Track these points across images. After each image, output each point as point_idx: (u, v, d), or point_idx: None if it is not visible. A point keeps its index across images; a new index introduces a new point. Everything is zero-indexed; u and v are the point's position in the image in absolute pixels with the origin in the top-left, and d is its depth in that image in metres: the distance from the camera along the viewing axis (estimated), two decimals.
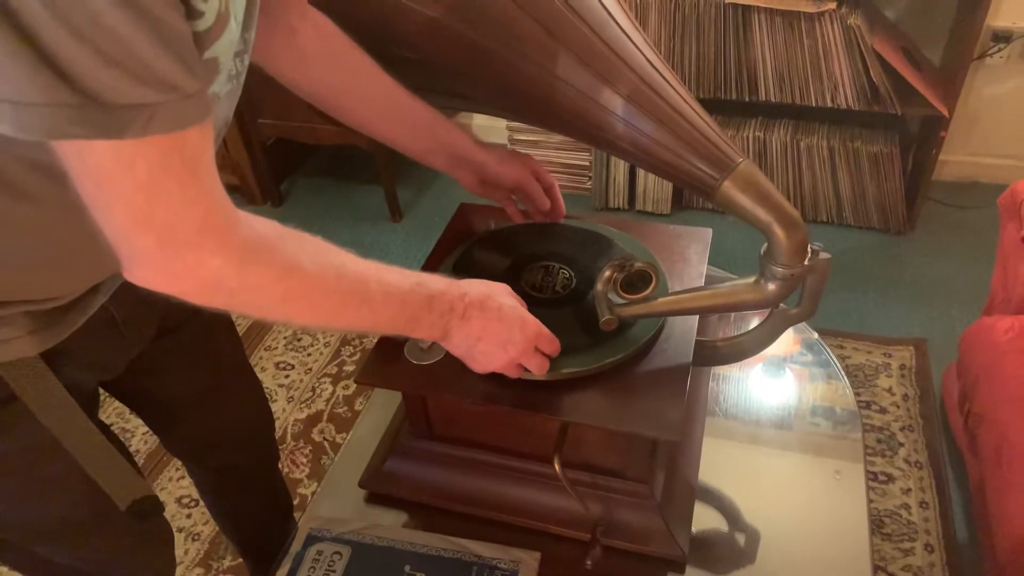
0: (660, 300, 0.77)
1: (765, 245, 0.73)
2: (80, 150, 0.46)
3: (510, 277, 0.87)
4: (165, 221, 0.50)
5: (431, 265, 0.92)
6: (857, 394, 1.74)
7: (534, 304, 0.83)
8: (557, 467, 0.76)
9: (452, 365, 0.80)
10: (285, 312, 0.59)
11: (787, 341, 1.09)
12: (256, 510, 1.20)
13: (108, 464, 0.73)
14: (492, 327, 0.70)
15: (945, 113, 1.98)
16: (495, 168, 0.89)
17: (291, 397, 1.84)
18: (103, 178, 0.48)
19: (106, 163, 0.47)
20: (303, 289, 0.58)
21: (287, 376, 1.90)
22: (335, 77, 0.79)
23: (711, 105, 2.26)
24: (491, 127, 2.81)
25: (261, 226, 0.57)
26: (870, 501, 1.48)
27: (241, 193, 2.58)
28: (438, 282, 0.68)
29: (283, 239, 0.58)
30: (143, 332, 0.80)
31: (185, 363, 0.91)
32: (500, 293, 0.73)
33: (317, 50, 0.77)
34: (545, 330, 0.74)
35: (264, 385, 1.84)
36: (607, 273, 0.76)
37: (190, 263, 0.52)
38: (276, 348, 1.99)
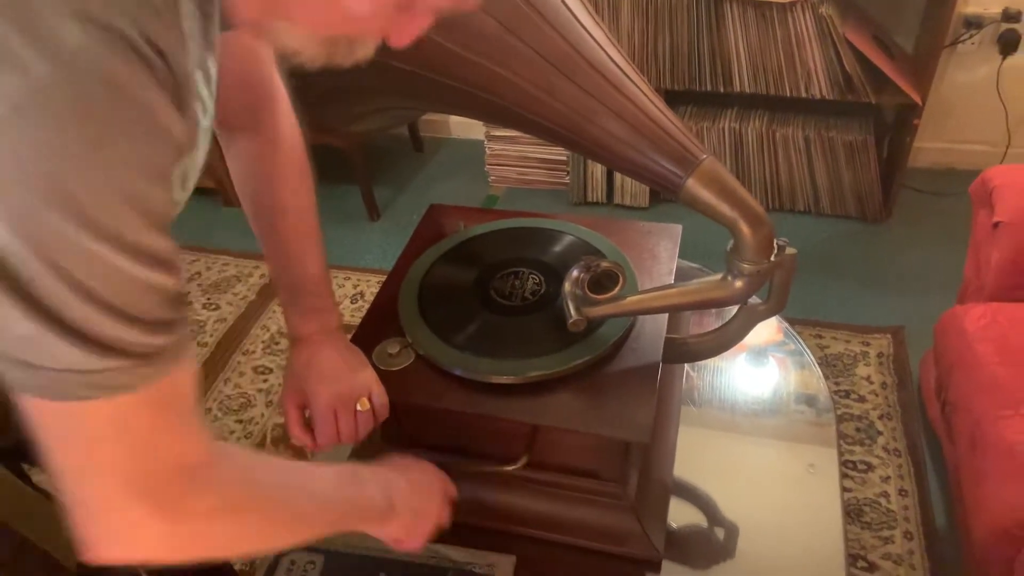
0: (628, 299, 0.76)
1: (731, 242, 0.73)
2: (71, 412, 0.41)
3: (478, 288, 0.87)
4: (162, 481, 0.46)
5: (402, 268, 0.91)
6: (836, 383, 1.75)
7: (505, 313, 0.83)
8: (520, 464, 0.76)
9: (421, 371, 0.79)
10: (258, 548, 0.59)
11: (769, 330, 1.09)
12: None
13: (45, 520, 0.67)
14: (416, 506, 0.72)
15: (918, 100, 1.98)
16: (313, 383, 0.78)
17: (269, 401, 1.83)
18: (97, 442, 0.43)
19: (100, 423, 0.42)
20: (289, 524, 0.58)
21: (265, 380, 1.89)
22: (260, 192, 0.77)
23: (686, 97, 2.26)
24: (468, 123, 2.80)
25: (232, 459, 0.54)
26: (847, 490, 1.50)
27: (217, 196, 2.55)
28: (368, 488, 0.67)
29: (253, 468, 0.55)
30: None
31: None
32: (409, 471, 0.74)
33: (256, 152, 0.75)
34: (447, 479, 0.78)
35: (243, 389, 1.85)
36: (574, 274, 0.75)
37: (179, 524, 0.48)
38: (254, 352, 1.97)
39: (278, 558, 0.84)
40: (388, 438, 0.87)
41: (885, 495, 1.50)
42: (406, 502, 0.70)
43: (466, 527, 0.84)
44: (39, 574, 0.69)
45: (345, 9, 0.42)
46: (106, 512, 0.45)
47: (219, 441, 0.52)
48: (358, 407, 0.75)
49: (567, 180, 2.46)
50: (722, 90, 2.12)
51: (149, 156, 0.38)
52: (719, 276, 0.75)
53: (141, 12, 0.36)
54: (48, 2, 0.33)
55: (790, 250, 0.73)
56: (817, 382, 1.01)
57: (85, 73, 0.34)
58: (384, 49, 0.49)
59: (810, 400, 0.99)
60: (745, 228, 0.70)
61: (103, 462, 0.44)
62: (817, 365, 1.04)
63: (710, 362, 1.03)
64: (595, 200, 2.43)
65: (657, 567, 0.80)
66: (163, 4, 0.38)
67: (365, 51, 0.48)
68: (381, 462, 0.72)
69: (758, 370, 1.04)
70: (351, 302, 2.10)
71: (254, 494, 0.54)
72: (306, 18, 0.44)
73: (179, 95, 0.39)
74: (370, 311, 0.87)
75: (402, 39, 0.46)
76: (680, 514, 0.85)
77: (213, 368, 1.92)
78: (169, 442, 0.46)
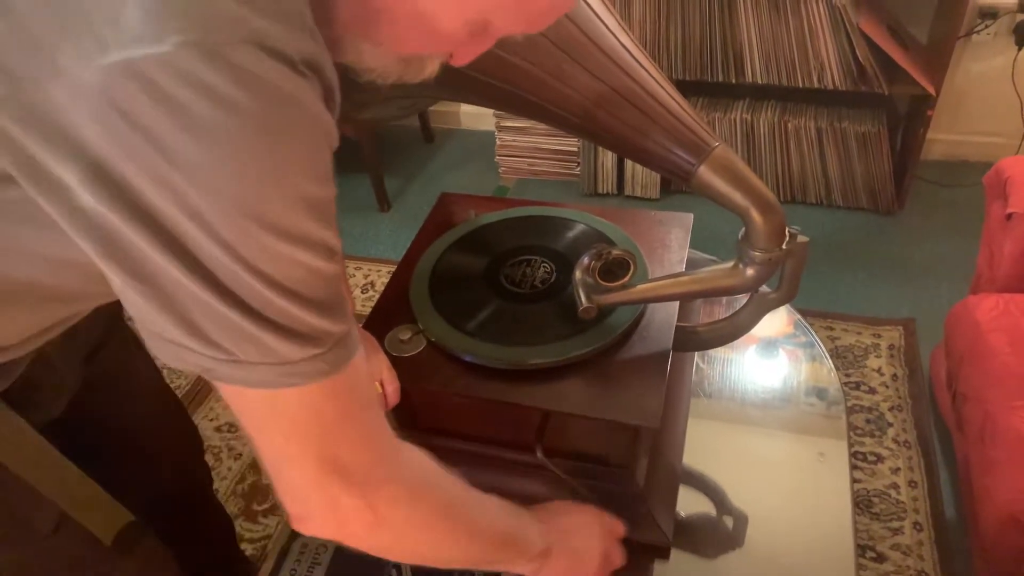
0: (638, 287, 0.76)
1: (743, 230, 0.73)
2: (271, 400, 0.46)
3: (489, 275, 0.87)
4: (351, 462, 0.50)
5: (413, 256, 0.92)
6: (847, 375, 1.75)
7: (516, 300, 0.84)
8: (539, 454, 0.76)
9: (432, 357, 0.80)
10: (426, 553, 0.60)
11: (780, 322, 1.09)
12: (195, 540, 1.09)
13: (84, 496, 0.69)
14: (575, 546, 0.72)
15: (932, 91, 1.97)
16: None
17: None
18: (294, 426, 0.48)
19: (296, 409, 0.47)
20: (457, 531, 0.59)
21: None
22: None
23: (698, 88, 2.25)
24: (478, 113, 2.80)
25: (416, 456, 0.57)
26: (857, 481, 1.50)
27: None
28: (530, 530, 0.67)
29: (433, 466, 0.58)
30: (74, 366, 0.76)
31: (110, 392, 0.85)
32: (567, 512, 0.74)
33: None
34: (613, 519, 0.76)
35: None
36: (585, 261, 0.76)
37: (371, 503, 0.52)
38: None
39: (290, 543, 0.85)
40: (401, 423, 0.87)
41: (895, 486, 1.50)
42: (564, 545, 0.70)
43: None
44: (78, 547, 0.71)
45: (433, 30, 0.45)
46: (307, 490, 0.50)
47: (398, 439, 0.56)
48: None
49: (578, 171, 2.46)
50: (734, 81, 2.11)
51: (320, 162, 0.42)
52: (730, 264, 0.75)
53: (301, 36, 0.40)
54: (229, 38, 0.37)
55: (802, 238, 0.73)
56: (828, 374, 1.01)
57: (270, 97, 0.38)
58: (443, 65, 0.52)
59: (821, 392, 0.99)
60: (757, 216, 0.70)
61: (300, 444, 0.48)
62: (828, 357, 1.04)
63: (721, 353, 1.03)
64: (606, 191, 2.43)
65: (666, 553, 0.81)
66: (312, 25, 0.41)
67: (432, 68, 0.51)
68: (539, 506, 0.72)
69: (769, 362, 1.04)
70: (362, 292, 2.11)
71: (433, 490, 0.57)
72: (389, 39, 0.46)
73: (330, 103, 0.43)
74: (382, 298, 0.88)
75: (465, 58, 0.50)
76: (690, 503, 0.86)
77: None
78: (356, 428, 0.50)
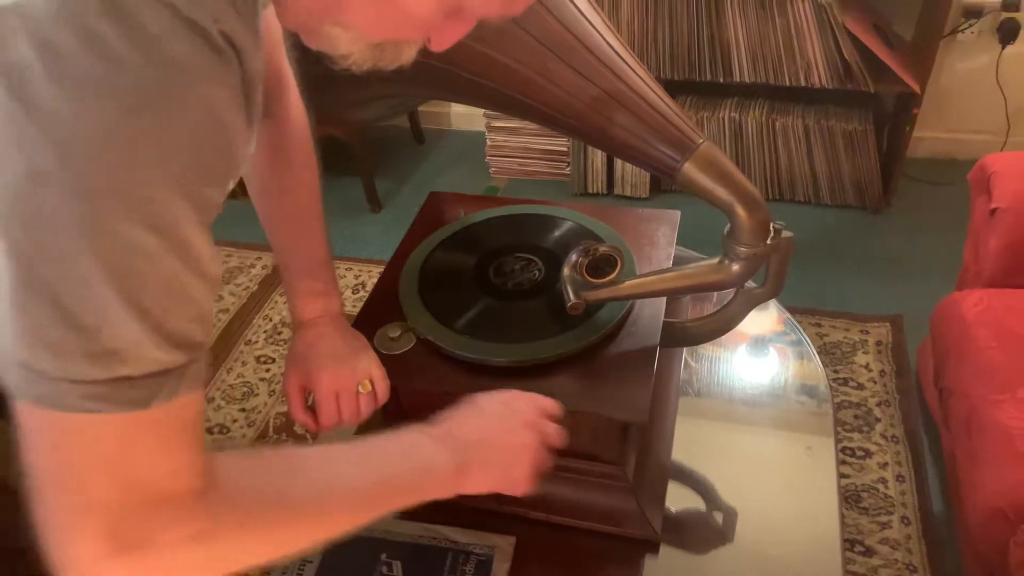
0: (626, 283, 0.77)
1: (728, 226, 0.73)
2: (68, 425, 0.38)
3: (478, 273, 0.87)
4: (132, 511, 0.41)
5: (402, 254, 0.92)
6: (835, 371, 1.76)
7: (505, 297, 0.84)
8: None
9: (422, 354, 0.80)
10: (242, 563, 0.49)
11: (769, 320, 1.10)
12: None
13: None
14: (495, 447, 0.64)
15: (917, 90, 1.99)
16: (313, 371, 0.77)
17: (272, 390, 1.84)
18: (79, 454, 0.39)
19: (92, 438, 0.38)
20: (291, 538, 0.52)
21: (268, 370, 1.90)
22: (266, 175, 0.77)
23: (686, 87, 2.26)
24: (469, 114, 2.80)
25: (236, 476, 0.48)
26: (845, 476, 1.51)
27: None
28: (421, 445, 0.62)
29: (258, 479, 0.50)
30: None
31: None
32: (479, 412, 0.67)
33: (268, 140, 0.74)
34: (539, 398, 0.68)
35: (246, 379, 1.86)
36: (573, 258, 0.76)
37: (142, 558, 0.42)
38: (257, 342, 1.98)
39: None
40: (391, 421, 0.87)
41: (883, 481, 1.51)
42: (482, 455, 0.63)
43: (467, 509, 0.85)
44: None
45: (404, 14, 0.42)
46: (68, 537, 0.41)
47: (223, 455, 0.48)
48: (360, 389, 0.76)
49: (568, 171, 2.46)
50: (722, 80, 2.12)
51: (214, 156, 0.38)
52: (716, 260, 0.76)
53: (223, 7, 0.36)
54: None
55: (786, 233, 0.74)
56: (817, 371, 1.02)
57: (168, 66, 0.34)
58: (423, 51, 0.50)
59: (810, 390, 0.99)
60: (741, 211, 0.71)
61: (81, 483, 0.40)
62: (816, 354, 1.05)
63: (711, 352, 1.04)
64: (596, 191, 2.44)
65: (655, 548, 0.81)
66: (244, 4, 0.38)
67: (409, 54, 0.49)
68: (453, 409, 0.66)
69: (758, 360, 1.05)
70: (352, 292, 2.11)
71: (251, 511, 0.49)
72: (360, 24, 0.44)
73: (247, 94, 0.39)
74: (371, 296, 0.88)
75: (443, 43, 0.47)
76: (679, 499, 0.86)
77: (216, 358, 1.93)
78: (158, 467, 0.42)
